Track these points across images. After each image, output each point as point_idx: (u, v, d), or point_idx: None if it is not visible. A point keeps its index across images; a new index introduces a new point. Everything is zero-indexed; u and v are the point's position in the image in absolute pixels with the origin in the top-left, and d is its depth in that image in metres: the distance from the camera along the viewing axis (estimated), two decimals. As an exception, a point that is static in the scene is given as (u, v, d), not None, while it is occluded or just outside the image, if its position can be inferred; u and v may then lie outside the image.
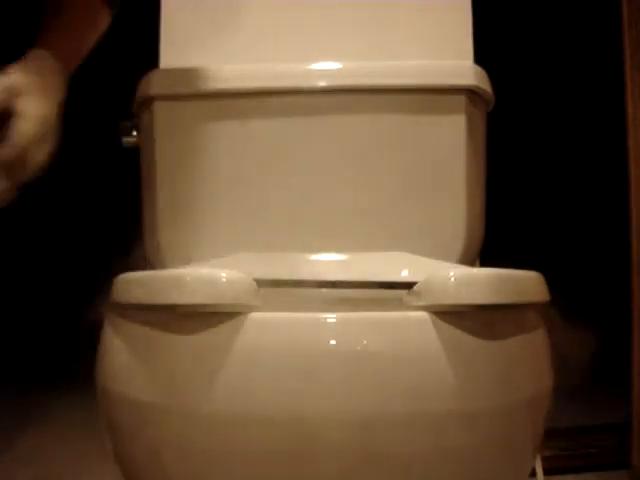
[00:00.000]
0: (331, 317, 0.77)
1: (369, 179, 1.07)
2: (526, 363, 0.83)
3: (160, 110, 1.08)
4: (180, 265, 1.03)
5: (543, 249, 2.52)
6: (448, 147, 1.08)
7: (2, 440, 1.73)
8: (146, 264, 1.13)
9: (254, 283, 0.79)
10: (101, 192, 1.42)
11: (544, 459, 1.38)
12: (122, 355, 0.85)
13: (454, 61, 1.11)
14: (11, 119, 0.79)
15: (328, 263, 1.03)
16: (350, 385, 0.75)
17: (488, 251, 1.16)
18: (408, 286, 0.82)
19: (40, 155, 0.80)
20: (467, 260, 1.08)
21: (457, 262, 1.06)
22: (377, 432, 0.75)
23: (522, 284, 0.83)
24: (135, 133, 1.22)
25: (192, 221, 1.08)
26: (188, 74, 1.09)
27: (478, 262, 1.15)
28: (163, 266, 1.08)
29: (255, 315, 0.78)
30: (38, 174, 0.81)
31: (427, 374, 0.76)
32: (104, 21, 0.96)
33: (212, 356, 0.77)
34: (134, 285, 0.86)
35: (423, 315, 0.78)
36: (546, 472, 1.35)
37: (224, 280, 0.78)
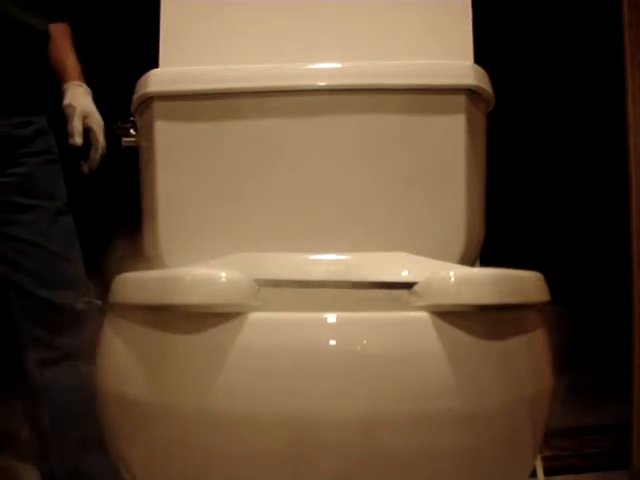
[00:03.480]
0: (331, 317, 0.77)
1: (369, 179, 1.07)
2: (526, 363, 0.83)
3: (159, 110, 1.08)
4: (180, 265, 1.03)
5: (543, 249, 2.52)
6: (448, 147, 1.07)
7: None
8: (146, 264, 1.13)
9: (254, 283, 0.79)
10: (100, 192, 1.42)
11: (544, 459, 1.38)
12: (122, 355, 0.85)
13: (454, 61, 1.10)
14: (90, 132, 1.30)
15: (328, 263, 1.02)
16: (350, 385, 0.75)
17: (488, 251, 1.16)
18: (408, 286, 0.82)
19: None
20: (467, 260, 1.08)
21: (457, 262, 1.05)
22: (377, 432, 0.75)
23: (522, 284, 0.83)
24: (134, 133, 1.22)
25: (192, 221, 1.08)
26: (188, 74, 1.09)
27: (478, 262, 1.15)
28: (163, 266, 1.08)
29: (255, 315, 0.77)
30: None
31: (427, 374, 0.76)
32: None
33: (212, 356, 0.77)
34: (134, 285, 0.86)
35: (423, 315, 0.78)
36: (546, 472, 1.35)
37: (224, 280, 0.78)
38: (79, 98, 1.30)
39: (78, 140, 1.27)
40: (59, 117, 1.31)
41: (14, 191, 1.23)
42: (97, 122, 1.30)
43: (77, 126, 1.28)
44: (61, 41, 1.34)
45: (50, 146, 1.29)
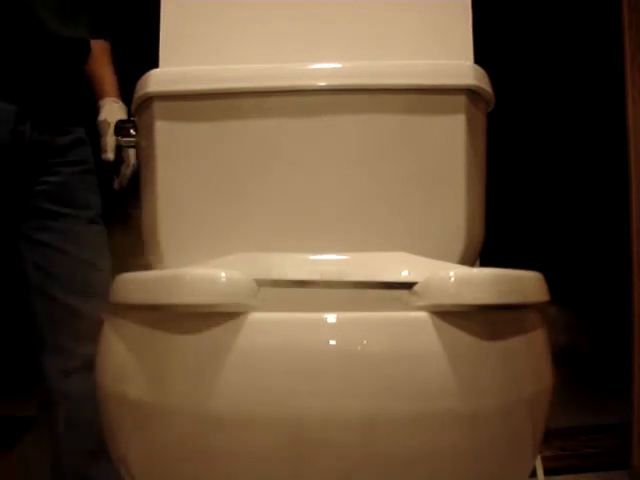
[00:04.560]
0: (331, 317, 0.77)
1: (369, 179, 1.07)
2: (526, 363, 0.83)
3: (159, 110, 1.08)
4: (180, 265, 1.03)
5: (543, 249, 2.52)
6: (448, 147, 1.07)
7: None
8: (146, 264, 1.13)
9: (254, 283, 0.79)
10: (101, 191, 1.43)
11: (544, 459, 1.38)
12: (122, 355, 0.85)
13: (454, 61, 1.10)
14: (122, 149, 1.32)
15: (328, 263, 1.02)
16: (350, 385, 0.75)
17: (488, 251, 1.16)
18: (408, 286, 0.82)
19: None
20: (467, 260, 1.08)
21: (457, 262, 1.05)
22: (377, 432, 0.75)
23: (522, 284, 0.83)
24: (134, 133, 1.22)
25: (192, 221, 1.08)
26: (188, 74, 1.09)
27: (478, 262, 1.15)
28: (163, 266, 1.08)
29: (255, 315, 0.77)
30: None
31: (427, 374, 0.76)
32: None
33: (212, 356, 0.77)
34: (134, 285, 0.86)
35: (423, 315, 0.78)
36: (546, 472, 1.35)
37: (224, 280, 0.78)
38: (114, 114, 1.32)
39: (110, 156, 1.30)
40: (94, 132, 1.33)
41: (47, 199, 1.25)
42: None
43: (110, 142, 1.30)
44: (101, 58, 1.37)
45: (86, 157, 1.30)
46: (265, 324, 0.77)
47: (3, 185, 1.21)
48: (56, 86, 1.24)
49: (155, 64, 1.13)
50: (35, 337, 1.25)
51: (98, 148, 1.33)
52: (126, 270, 0.91)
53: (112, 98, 1.35)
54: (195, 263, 0.98)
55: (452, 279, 0.79)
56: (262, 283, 0.80)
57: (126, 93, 1.23)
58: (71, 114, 1.28)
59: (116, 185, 1.34)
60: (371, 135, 1.07)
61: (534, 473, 1.33)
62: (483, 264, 1.14)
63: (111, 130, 1.30)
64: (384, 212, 1.07)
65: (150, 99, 1.09)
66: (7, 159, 1.19)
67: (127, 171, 1.32)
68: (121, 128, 1.26)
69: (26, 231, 1.24)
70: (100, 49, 1.36)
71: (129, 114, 1.24)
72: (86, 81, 1.35)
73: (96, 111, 1.35)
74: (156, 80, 1.09)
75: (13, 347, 1.35)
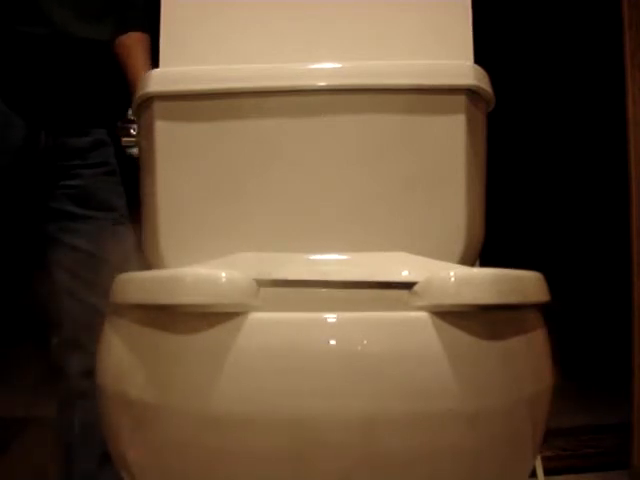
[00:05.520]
0: (331, 317, 0.77)
1: (369, 179, 1.07)
2: (526, 363, 0.83)
3: (159, 110, 1.08)
4: (180, 265, 1.03)
5: (543, 249, 2.52)
6: (448, 147, 1.07)
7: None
8: (146, 264, 1.13)
9: (254, 283, 0.79)
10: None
11: (544, 459, 1.39)
12: (122, 355, 0.85)
13: (454, 61, 1.10)
14: None
15: (328, 263, 1.02)
16: (350, 385, 0.75)
17: (488, 251, 1.16)
18: (408, 286, 0.82)
19: None
20: (467, 260, 1.08)
21: (457, 262, 1.05)
22: (377, 432, 0.75)
23: (522, 284, 0.83)
24: (134, 133, 1.22)
25: (192, 221, 1.08)
26: (188, 74, 1.09)
27: (478, 262, 1.15)
28: (163, 266, 1.08)
29: (255, 315, 0.78)
30: None
31: (427, 374, 0.76)
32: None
33: (212, 356, 0.77)
34: (134, 285, 0.86)
35: (423, 315, 0.78)
36: (546, 472, 1.35)
37: (224, 280, 0.78)
38: None
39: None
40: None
41: (70, 201, 1.25)
42: None
43: None
44: (136, 51, 1.32)
45: (108, 158, 1.29)
46: (265, 324, 0.77)
47: (24, 188, 1.21)
48: (71, 89, 1.23)
49: (155, 64, 1.13)
50: (59, 337, 1.25)
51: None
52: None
53: None
54: (195, 263, 0.98)
55: (452, 279, 0.79)
56: (262, 283, 0.80)
57: (126, 93, 1.23)
58: (90, 115, 1.27)
59: None
60: (371, 135, 1.07)
61: (534, 473, 1.33)
62: (483, 264, 1.14)
63: None
64: (384, 212, 1.07)
65: (150, 99, 1.09)
66: (22, 163, 1.19)
67: None
68: (122, 128, 1.26)
69: (51, 233, 1.25)
70: (134, 40, 1.32)
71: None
72: (117, 79, 1.33)
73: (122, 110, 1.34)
74: (156, 80, 1.09)
75: (13, 347, 1.35)
